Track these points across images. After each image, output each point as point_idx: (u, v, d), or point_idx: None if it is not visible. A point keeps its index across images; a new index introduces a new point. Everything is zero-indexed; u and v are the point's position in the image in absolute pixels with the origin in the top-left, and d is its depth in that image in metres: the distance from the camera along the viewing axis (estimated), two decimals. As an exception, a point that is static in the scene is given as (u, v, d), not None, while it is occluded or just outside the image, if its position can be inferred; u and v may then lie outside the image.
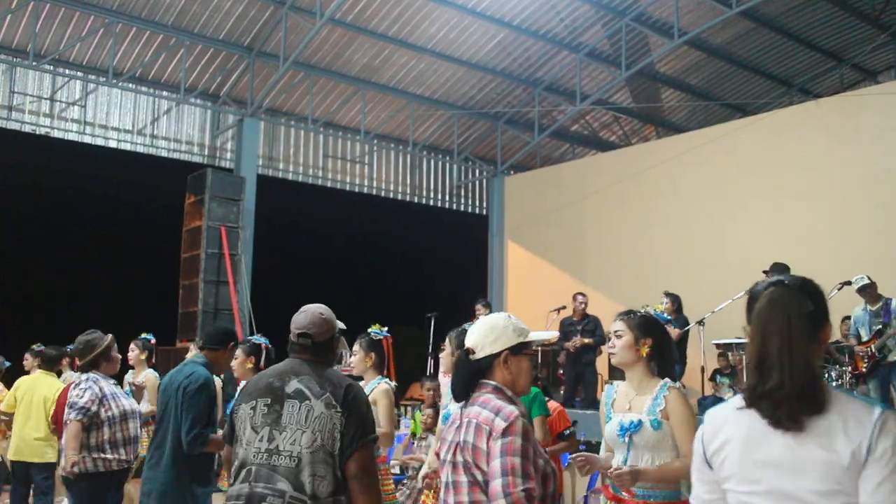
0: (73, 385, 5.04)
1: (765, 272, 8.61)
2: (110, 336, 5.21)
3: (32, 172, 13.51)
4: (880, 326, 8.13)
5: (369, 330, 5.01)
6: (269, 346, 5.20)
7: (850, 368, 8.43)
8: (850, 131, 11.37)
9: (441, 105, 15.38)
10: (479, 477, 2.38)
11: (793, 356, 1.77)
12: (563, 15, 13.77)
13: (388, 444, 4.92)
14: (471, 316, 10.46)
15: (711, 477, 1.89)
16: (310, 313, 3.25)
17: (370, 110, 14.88)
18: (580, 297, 10.51)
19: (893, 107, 10.90)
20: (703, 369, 10.02)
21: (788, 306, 1.82)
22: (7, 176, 13.21)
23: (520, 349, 2.59)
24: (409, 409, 11.67)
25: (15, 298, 13.97)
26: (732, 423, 1.86)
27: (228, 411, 3.25)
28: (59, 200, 14.30)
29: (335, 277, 17.06)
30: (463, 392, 2.57)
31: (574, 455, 3.30)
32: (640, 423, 3.16)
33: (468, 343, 2.60)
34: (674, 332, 9.40)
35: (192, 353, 6.41)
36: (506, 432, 2.36)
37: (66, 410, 4.88)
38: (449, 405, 2.72)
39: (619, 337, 3.28)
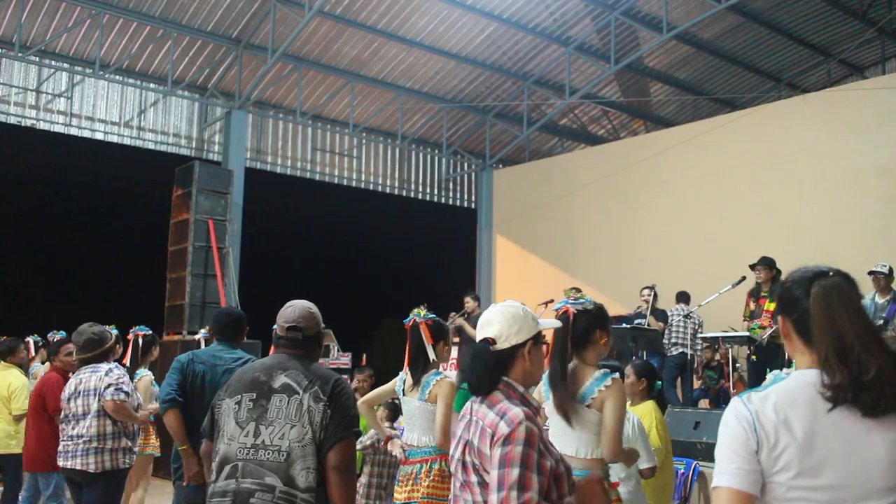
0: (105, 371, 4.82)
1: (751, 266, 8.65)
2: (115, 332, 5.17)
3: (17, 165, 13.41)
4: (881, 322, 7.94)
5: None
6: None
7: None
8: (837, 126, 11.43)
9: (430, 98, 15.35)
10: (487, 478, 2.31)
11: (871, 343, 1.75)
12: (552, 9, 13.76)
13: None
14: (458, 309, 10.51)
15: (753, 465, 1.79)
16: (299, 307, 3.22)
17: (359, 103, 14.84)
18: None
19: (879, 101, 10.97)
20: (691, 362, 10.07)
21: (849, 295, 1.81)
22: (-8, 168, 13.11)
23: (539, 339, 2.52)
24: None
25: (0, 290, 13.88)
26: (795, 416, 1.78)
27: (210, 405, 3.19)
28: (44, 193, 14.20)
29: (323, 270, 17.04)
30: (486, 386, 2.42)
31: None
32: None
33: (488, 333, 2.46)
34: (657, 324, 9.46)
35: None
36: (506, 440, 2.26)
37: (111, 389, 4.69)
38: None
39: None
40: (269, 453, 2.92)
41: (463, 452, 2.40)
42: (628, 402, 4.72)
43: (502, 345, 2.44)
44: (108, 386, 4.70)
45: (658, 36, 13.77)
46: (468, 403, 2.51)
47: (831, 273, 1.86)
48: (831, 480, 1.74)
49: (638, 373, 4.81)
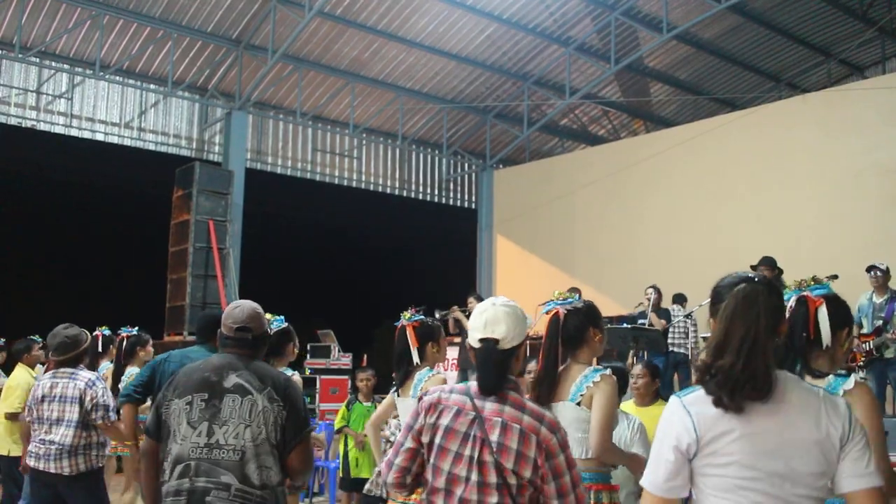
0: (86, 382, 4.75)
1: (753, 266, 8.64)
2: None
3: (18, 166, 13.41)
4: (880, 322, 7.88)
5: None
6: None
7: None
8: (837, 126, 11.44)
9: (430, 99, 15.36)
10: (513, 481, 2.34)
11: (754, 346, 1.82)
12: (552, 9, 13.76)
13: None
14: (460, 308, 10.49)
15: (682, 471, 1.89)
16: (247, 308, 3.26)
17: (359, 104, 14.84)
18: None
19: (879, 101, 10.97)
20: (692, 362, 10.07)
21: (759, 302, 1.87)
22: (-8, 169, 13.11)
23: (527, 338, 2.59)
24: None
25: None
26: (726, 414, 1.85)
27: (154, 404, 3.18)
28: (45, 194, 14.21)
29: (323, 271, 17.05)
30: (499, 385, 2.44)
31: None
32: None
33: (496, 334, 2.45)
34: (659, 323, 9.47)
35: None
36: (563, 445, 2.40)
37: (101, 412, 4.69)
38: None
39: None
40: (223, 452, 2.96)
41: (481, 452, 2.37)
42: (631, 402, 4.72)
43: (505, 345, 2.45)
44: (96, 407, 4.68)
45: (658, 36, 13.77)
46: (458, 397, 2.47)
47: (756, 280, 1.93)
48: (772, 468, 1.81)
49: (652, 373, 4.81)
